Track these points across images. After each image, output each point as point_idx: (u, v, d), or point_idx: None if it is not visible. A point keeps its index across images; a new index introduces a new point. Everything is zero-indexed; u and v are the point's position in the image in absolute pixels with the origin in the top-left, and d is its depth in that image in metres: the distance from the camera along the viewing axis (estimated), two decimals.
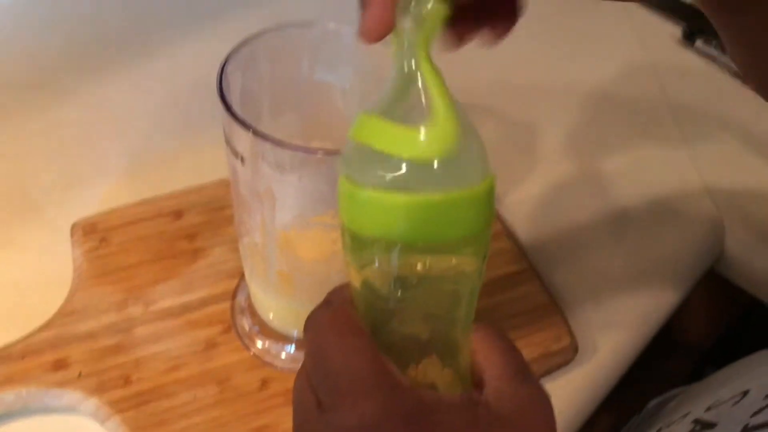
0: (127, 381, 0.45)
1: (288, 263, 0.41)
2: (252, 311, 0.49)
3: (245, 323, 0.48)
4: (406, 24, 0.25)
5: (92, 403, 0.44)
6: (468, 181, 0.25)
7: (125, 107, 0.65)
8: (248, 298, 0.49)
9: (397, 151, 0.24)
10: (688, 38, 0.77)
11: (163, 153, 0.61)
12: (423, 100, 0.25)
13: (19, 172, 0.58)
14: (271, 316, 0.47)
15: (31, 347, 0.46)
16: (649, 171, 0.65)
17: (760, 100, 0.70)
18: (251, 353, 0.47)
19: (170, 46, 0.71)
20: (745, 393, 0.43)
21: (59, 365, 0.45)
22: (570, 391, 0.50)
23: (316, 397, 0.25)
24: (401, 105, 0.25)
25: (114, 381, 0.45)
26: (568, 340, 0.50)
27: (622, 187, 0.63)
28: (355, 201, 0.24)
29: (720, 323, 0.79)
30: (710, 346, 0.80)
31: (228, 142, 0.36)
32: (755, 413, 0.37)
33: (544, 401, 0.26)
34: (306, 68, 0.41)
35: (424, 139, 0.24)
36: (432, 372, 0.26)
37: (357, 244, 0.25)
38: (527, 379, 0.26)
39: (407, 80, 0.25)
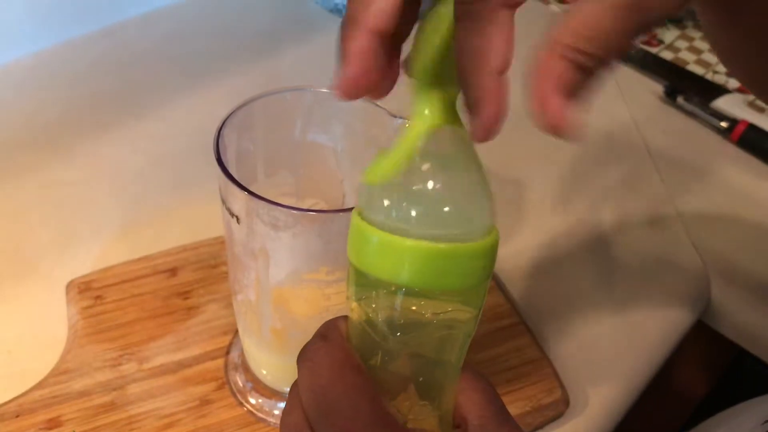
0: None
1: (281, 319, 0.41)
2: (245, 367, 0.49)
3: (239, 380, 0.49)
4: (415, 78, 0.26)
5: None
6: (476, 232, 0.25)
7: (120, 166, 0.66)
8: (242, 354, 0.49)
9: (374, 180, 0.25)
10: (670, 95, 0.79)
11: (158, 211, 0.62)
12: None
13: (14, 231, 0.59)
14: (264, 372, 0.47)
15: (24, 406, 0.46)
16: (636, 225, 0.66)
17: (742, 154, 0.72)
18: (245, 410, 0.47)
19: (163, 107, 0.73)
20: None
21: (53, 424, 0.45)
22: None
23: None
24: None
25: None
26: (559, 393, 0.51)
27: (610, 241, 0.64)
28: (362, 238, 0.24)
29: (712, 373, 0.80)
30: (703, 396, 0.80)
31: (224, 201, 0.37)
32: None
33: None
34: (299, 129, 0.42)
35: (371, 166, 0.25)
36: (420, 411, 0.26)
37: (359, 279, 0.25)
38: (507, 420, 0.26)
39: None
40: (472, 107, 0.24)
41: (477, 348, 0.52)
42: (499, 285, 0.58)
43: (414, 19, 0.27)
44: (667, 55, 0.88)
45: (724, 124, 0.75)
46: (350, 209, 0.35)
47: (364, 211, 0.26)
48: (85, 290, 0.53)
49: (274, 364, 0.46)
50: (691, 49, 0.89)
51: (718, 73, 0.86)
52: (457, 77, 0.24)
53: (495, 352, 0.52)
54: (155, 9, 0.85)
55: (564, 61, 0.24)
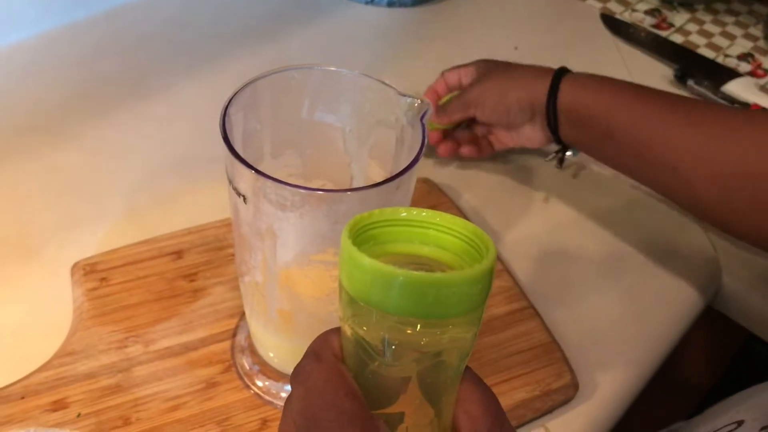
0: (126, 421, 0.45)
1: (288, 301, 0.41)
2: (252, 350, 0.48)
3: (245, 362, 0.48)
4: None
5: None
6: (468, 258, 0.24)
7: (124, 149, 0.66)
8: (248, 337, 0.49)
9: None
10: (680, 79, 0.78)
11: (163, 194, 0.61)
12: None
13: (19, 213, 0.59)
14: (271, 354, 0.47)
15: (30, 388, 0.46)
16: (646, 210, 0.65)
17: None
18: (252, 392, 0.47)
19: (168, 90, 0.72)
20: (740, 423, 0.43)
21: (58, 406, 0.45)
22: (573, 429, 0.49)
23: None
24: None
25: (113, 421, 0.45)
26: (568, 377, 0.50)
27: (620, 226, 0.63)
28: (353, 264, 0.23)
29: (721, 359, 0.79)
30: (712, 382, 0.79)
31: (230, 181, 0.37)
32: None
33: None
34: (306, 109, 0.42)
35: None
36: (416, 427, 0.26)
37: (350, 303, 0.24)
38: (503, 428, 0.26)
39: None
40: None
41: (487, 331, 0.52)
42: (507, 269, 0.57)
43: None
44: (678, 38, 0.87)
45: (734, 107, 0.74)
46: (358, 189, 0.35)
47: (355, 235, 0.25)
48: (90, 272, 0.52)
49: (281, 346, 0.46)
50: (702, 33, 0.88)
51: (729, 57, 0.85)
52: None
53: (504, 335, 0.52)
54: None
55: None
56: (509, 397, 0.49)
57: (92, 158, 0.64)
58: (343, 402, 0.24)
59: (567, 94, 0.56)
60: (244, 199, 0.36)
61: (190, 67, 0.75)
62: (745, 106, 0.73)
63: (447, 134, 0.65)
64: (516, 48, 0.83)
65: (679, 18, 0.91)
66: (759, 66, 0.84)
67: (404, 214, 0.25)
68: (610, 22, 0.89)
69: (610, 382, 0.52)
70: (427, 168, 0.67)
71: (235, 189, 0.37)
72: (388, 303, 0.23)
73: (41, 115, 0.68)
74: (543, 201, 0.65)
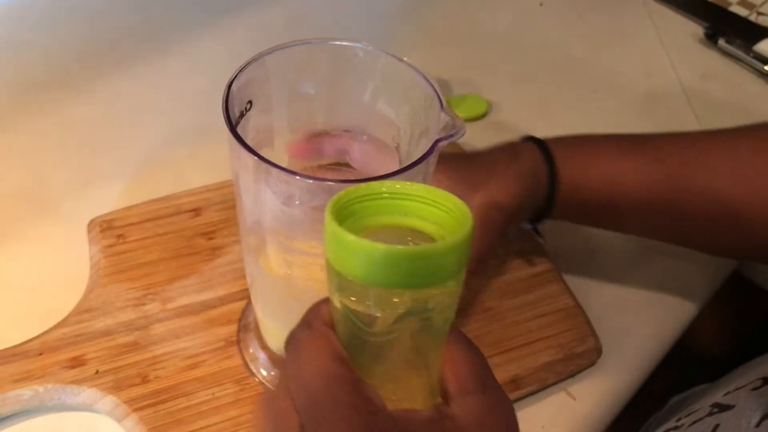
0: (144, 379, 0.44)
1: (292, 290, 0.39)
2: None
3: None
4: None
5: (109, 401, 0.44)
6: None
7: (142, 105, 0.64)
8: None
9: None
10: (711, 38, 0.76)
11: (180, 150, 0.60)
12: None
13: (35, 169, 0.58)
14: (275, 345, 0.46)
15: (48, 344, 0.45)
16: None
17: None
18: (269, 353, 0.46)
19: (187, 44, 0.71)
20: (765, 380, 0.42)
21: (76, 362, 0.45)
22: (595, 393, 0.49)
23: (300, 421, 0.26)
24: None
25: (131, 379, 0.44)
26: (592, 342, 0.49)
27: None
28: (336, 240, 0.24)
29: (743, 326, 0.78)
30: (737, 348, 0.78)
31: (234, 161, 0.35)
32: None
33: (505, 408, 0.27)
34: (370, 94, 0.39)
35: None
36: (405, 388, 0.27)
37: (336, 275, 0.25)
38: (490, 387, 0.27)
39: None
40: None
41: (510, 293, 0.51)
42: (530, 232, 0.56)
43: None
44: None
45: (767, 68, 0.72)
46: (367, 180, 0.33)
47: (338, 211, 0.26)
48: (107, 228, 0.51)
49: (282, 336, 0.44)
50: None
51: (763, 15, 0.82)
52: None
53: (527, 298, 0.51)
54: None
55: None
56: (532, 359, 0.48)
57: (110, 113, 0.63)
58: (331, 366, 0.25)
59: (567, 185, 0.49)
60: (246, 187, 0.35)
61: (210, 20, 0.73)
62: None
63: None
64: (541, 4, 0.80)
65: None
66: None
67: (385, 188, 0.26)
68: None
69: (632, 347, 0.51)
70: None
71: (237, 171, 0.35)
72: (370, 275, 0.24)
73: (57, 68, 0.67)
74: None
